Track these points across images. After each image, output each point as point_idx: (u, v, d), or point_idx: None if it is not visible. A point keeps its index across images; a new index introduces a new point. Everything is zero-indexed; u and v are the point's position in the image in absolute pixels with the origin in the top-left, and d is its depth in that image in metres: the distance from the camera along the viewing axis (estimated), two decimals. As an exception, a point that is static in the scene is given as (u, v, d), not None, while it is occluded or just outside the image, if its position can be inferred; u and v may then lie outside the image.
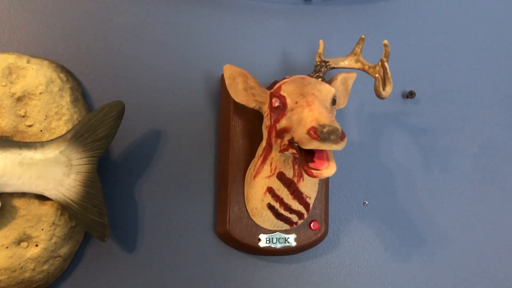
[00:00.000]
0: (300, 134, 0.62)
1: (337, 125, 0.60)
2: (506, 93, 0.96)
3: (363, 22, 0.91)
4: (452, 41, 0.95)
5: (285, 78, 0.72)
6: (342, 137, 0.60)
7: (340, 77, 0.76)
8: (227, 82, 0.74)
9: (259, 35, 0.88)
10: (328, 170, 0.61)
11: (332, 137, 0.59)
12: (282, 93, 0.68)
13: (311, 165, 0.62)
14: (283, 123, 0.67)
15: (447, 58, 0.94)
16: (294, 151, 0.66)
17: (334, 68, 0.75)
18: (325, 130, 0.59)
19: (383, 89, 0.71)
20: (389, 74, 0.71)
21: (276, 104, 0.68)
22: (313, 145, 0.60)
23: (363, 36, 0.75)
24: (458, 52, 0.95)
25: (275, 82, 0.79)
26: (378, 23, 0.92)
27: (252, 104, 0.74)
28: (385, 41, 0.71)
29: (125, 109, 0.73)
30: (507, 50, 0.97)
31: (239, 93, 0.74)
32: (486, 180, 0.94)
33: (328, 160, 0.62)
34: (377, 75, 0.71)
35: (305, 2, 0.90)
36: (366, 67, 0.75)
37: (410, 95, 0.91)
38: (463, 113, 0.94)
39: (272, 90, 0.71)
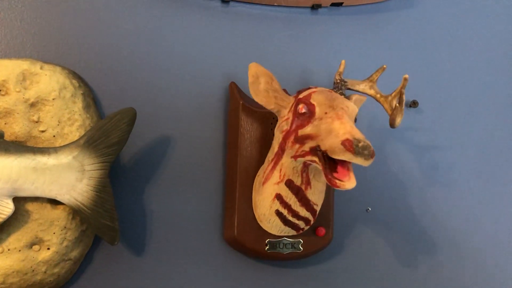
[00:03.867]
0: (332, 143, 0.64)
1: (369, 142, 0.63)
2: (510, 101, 0.97)
3: (368, 32, 0.93)
4: (455, 51, 0.96)
5: (310, 88, 0.74)
6: (372, 154, 0.63)
7: (354, 98, 0.79)
8: (250, 80, 0.74)
9: (267, 43, 0.89)
10: (350, 182, 0.64)
11: (366, 152, 0.62)
12: (312, 101, 0.70)
13: (335, 175, 0.64)
14: (307, 129, 0.69)
15: (450, 67, 0.95)
16: (315, 158, 0.67)
17: (349, 89, 0.78)
18: (360, 144, 0.62)
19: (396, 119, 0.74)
20: (403, 107, 0.73)
21: (303, 111, 0.70)
22: (346, 156, 0.62)
23: (384, 66, 0.77)
24: (461, 62, 0.96)
25: (299, 92, 0.80)
26: (383, 33, 0.93)
27: (271, 106, 0.75)
28: (406, 76, 0.73)
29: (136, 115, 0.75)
30: (510, 58, 0.98)
31: (259, 93, 0.75)
32: (490, 187, 0.95)
33: (350, 172, 0.65)
34: (397, 104, 0.73)
35: (311, 11, 0.92)
36: (378, 96, 0.77)
37: (413, 104, 0.92)
38: (466, 122, 0.95)
39: (300, 97, 0.72)
